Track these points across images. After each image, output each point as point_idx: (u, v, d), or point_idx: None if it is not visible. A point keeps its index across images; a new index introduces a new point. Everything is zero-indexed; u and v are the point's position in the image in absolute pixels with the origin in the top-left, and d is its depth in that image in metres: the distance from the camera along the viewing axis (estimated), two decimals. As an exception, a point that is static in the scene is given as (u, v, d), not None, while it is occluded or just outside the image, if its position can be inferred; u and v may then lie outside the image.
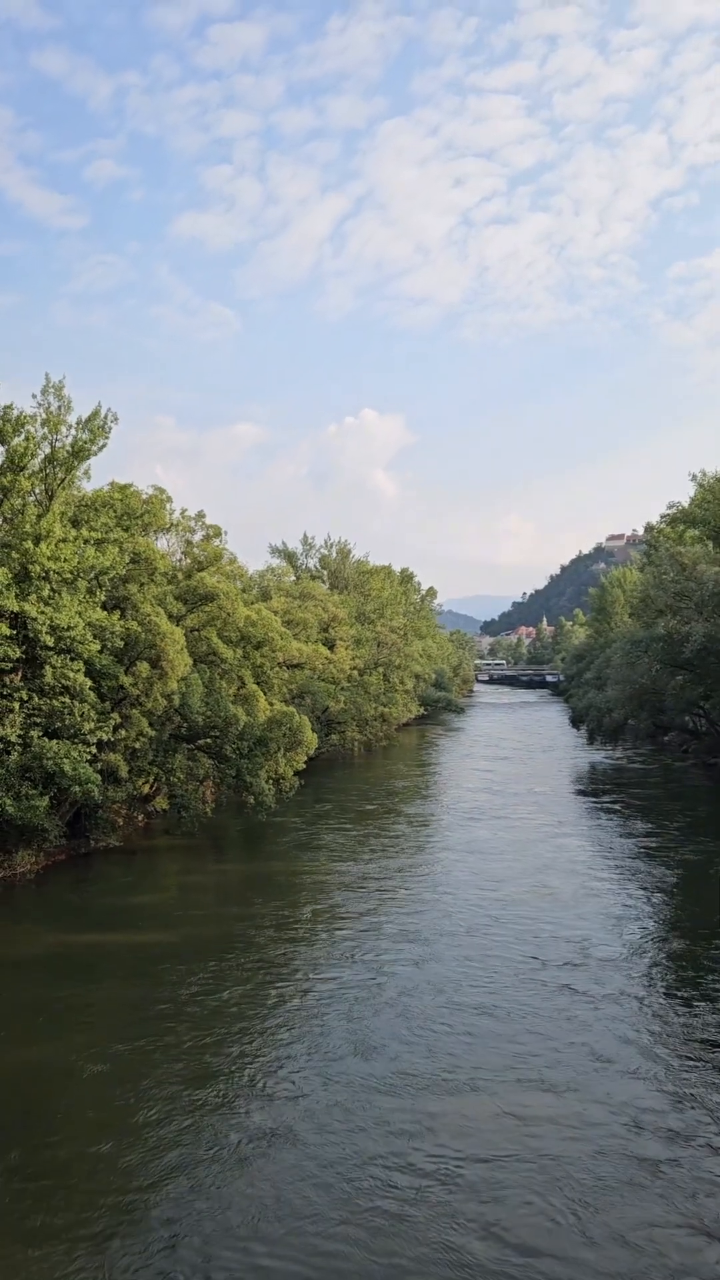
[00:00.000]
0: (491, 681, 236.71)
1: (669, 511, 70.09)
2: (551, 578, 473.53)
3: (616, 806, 49.61)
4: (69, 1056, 20.48)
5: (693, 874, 35.87)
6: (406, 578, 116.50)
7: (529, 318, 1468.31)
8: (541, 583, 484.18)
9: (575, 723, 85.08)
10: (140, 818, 45.30)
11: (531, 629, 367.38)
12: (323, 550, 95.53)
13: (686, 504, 72.47)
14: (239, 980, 24.81)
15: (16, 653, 32.61)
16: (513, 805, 50.64)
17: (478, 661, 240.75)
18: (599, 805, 50.91)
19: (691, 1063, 19.45)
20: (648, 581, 63.46)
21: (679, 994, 23.48)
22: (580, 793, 56.16)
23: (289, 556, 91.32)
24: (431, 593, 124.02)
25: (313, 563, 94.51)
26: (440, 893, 33.11)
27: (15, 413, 35.24)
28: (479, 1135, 16.66)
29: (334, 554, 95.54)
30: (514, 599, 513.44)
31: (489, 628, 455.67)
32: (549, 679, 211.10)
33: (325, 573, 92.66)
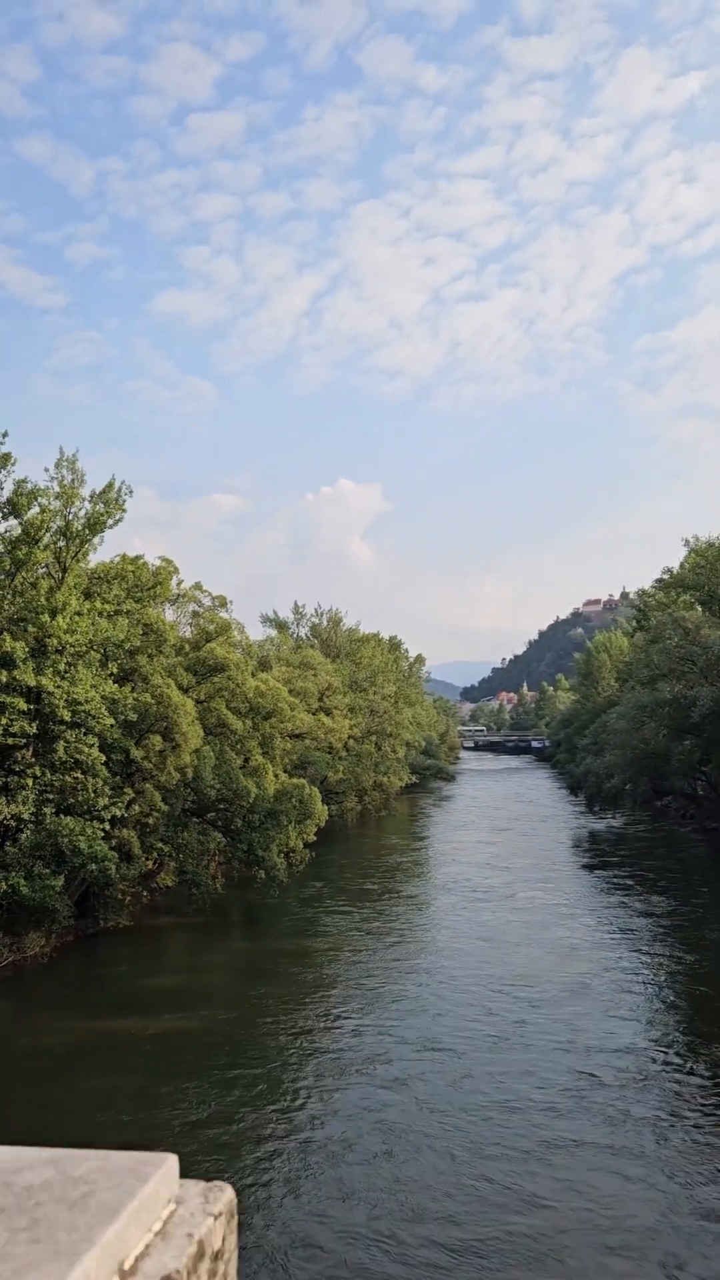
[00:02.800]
0: (476, 748, 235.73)
1: (663, 576, 70.70)
2: (530, 643, 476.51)
3: (629, 881, 48.11)
4: (85, 1146, 19.62)
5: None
6: (395, 645, 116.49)
7: (500, 390, 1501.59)
8: (519, 648, 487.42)
9: (574, 789, 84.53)
10: (145, 895, 44.19)
11: (513, 695, 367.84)
12: (313, 619, 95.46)
13: (676, 568, 73.36)
14: (253, 1078, 23.86)
15: (33, 728, 31.97)
16: (520, 883, 48.59)
17: (460, 728, 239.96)
18: (611, 880, 49.35)
19: None
20: (647, 646, 63.62)
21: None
22: (588, 866, 54.61)
23: (280, 625, 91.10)
24: (420, 660, 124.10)
25: (303, 631, 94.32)
26: (459, 989, 30.21)
27: (30, 485, 35.17)
28: None
29: (325, 622, 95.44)
30: (492, 664, 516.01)
31: (469, 693, 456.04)
32: (534, 744, 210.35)
33: (316, 641, 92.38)
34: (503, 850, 62.08)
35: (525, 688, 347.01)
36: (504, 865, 54.80)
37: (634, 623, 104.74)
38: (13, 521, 35.25)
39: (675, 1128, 20.06)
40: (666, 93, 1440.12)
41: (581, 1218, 16.36)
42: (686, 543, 67.00)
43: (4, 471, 34.59)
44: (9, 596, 34.65)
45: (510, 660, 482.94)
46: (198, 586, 48.87)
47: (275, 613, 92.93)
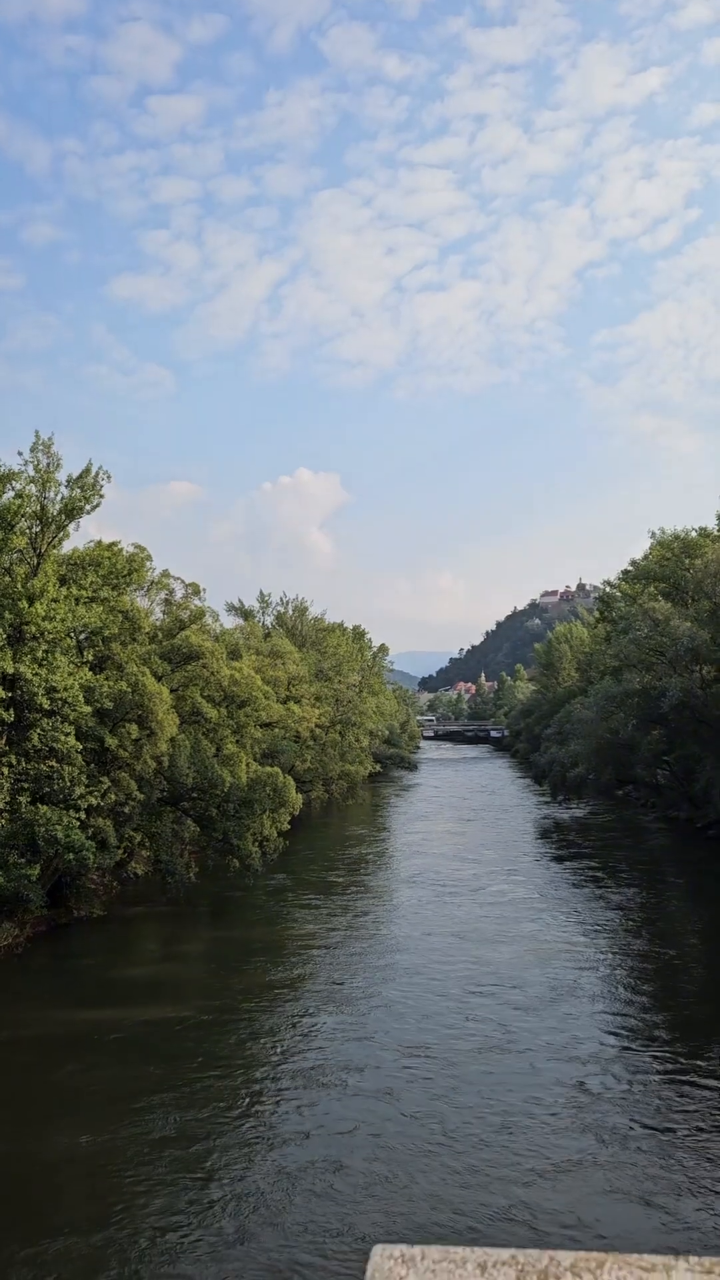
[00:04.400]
0: (436, 737, 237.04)
1: (628, 569, 71.44)
2: (487, 634, 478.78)
3: (599, 873, 47.96)
4: (59, 1144, 19.58)
5: (708, 950, 34.18)
6: (359, 634, 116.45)
7: (460, 381, 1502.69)
8: (476, 639, 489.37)
9: (538, 778, 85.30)
10: (114, 885, 43.85)
11: (470, 685, 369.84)
12: (279, 608, 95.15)
13: (639, 559, 74.23)
14: (231, 1064, 23.78)
15: (11, 716, 31.48)
16: (489, 875, 48.03)
17: (419, 717, 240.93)
18: (580, 871, 49.10)
19: None
20: (617, 637, 64.28)
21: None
22: (556, 857, 54.42)
23: (246, 614, 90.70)
24: (383, 649, 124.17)
25: (269, 620, 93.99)
26: (436, 994, 28.64)
27: (3, 468, 34.55)
28: None
29: (290, 611, 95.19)
30: (449, 655, 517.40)
31: (426, 683, 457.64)
32: (493, 734, 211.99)
33: (282, 630, 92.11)
34: (470, 841, 62.20)
35: (483, 678, 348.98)
36: (472, 856, 54.66)
37: (596, 614, 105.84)
38: (-14, 506, 34.61)
39: (676, 1139, 18.91)
40: (627, 88, 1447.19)
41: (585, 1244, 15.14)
42: (653, 534, 67.81)
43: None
44: (-17, 582, 34.04)
45: (467, 651, 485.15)
46: (167, 574, 48.48)
47: (241, 601, 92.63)
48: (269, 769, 43.77)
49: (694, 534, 65.58)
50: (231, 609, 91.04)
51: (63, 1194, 17.76)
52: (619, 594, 78.97)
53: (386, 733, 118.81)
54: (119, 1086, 22.49)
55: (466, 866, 51.15)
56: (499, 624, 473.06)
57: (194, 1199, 17.17)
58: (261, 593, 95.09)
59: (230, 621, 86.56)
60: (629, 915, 39.35)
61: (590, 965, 31.64)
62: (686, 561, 62.61)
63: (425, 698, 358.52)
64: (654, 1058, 23.44)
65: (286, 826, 43.43)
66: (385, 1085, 21.88)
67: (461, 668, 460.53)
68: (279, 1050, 24.89)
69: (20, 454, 36.00)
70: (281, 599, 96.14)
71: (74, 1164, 18.65)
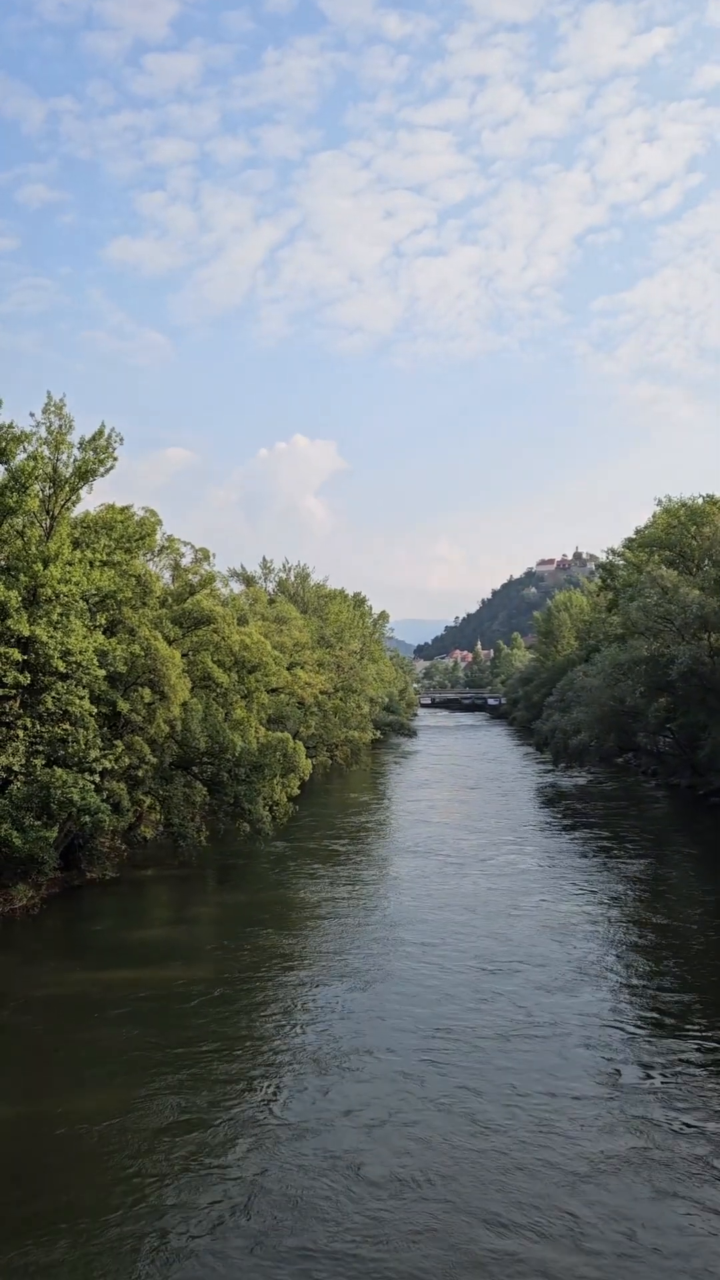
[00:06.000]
0: (433, 704, 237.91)
1: (632, 537, 71.34)
2: (483, 602, 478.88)
3: (607, 843, 47.58)
4: (71, 1106, 19.69)
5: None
6: (359, 602, 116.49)
7: (458, 348, 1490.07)
8: (472, 607, 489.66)
9: (540, 745, 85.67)
10: (124, 848, 44.06)
11: (467, 653, 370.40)
12: (281, 574, 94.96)
13: (643, 527, 74.16)
14: (243, 1039, 23.30)
15: (27, 679, 31.42)
16: (496, 845, 47.43)
17: (414, 685, 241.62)
18: (587, 840, 48.69)
19: None
20: (624, 605, 64.22)
21: None
22: (562, 827, 53.99)
23: (248, 580, 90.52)
24: (384, 616, 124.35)
25: (270, 586, 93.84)
26: (452, 970, 27.66)
27: (16, 430, 34.22)
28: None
29: (292, 577, 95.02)
30: (445, 623, 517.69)
31: (422, 651, 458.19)
32: (490, 701, 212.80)
33: (284, 596, 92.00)
34: (474, 809, 62.28)
35: (479, 646, 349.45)
36: (477, 825, 54.54)
37: (598, 582, 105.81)
38: (-2, 467, 34.34)
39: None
40: (631, 49, 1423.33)
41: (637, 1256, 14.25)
42: (659, 502, 67.63)
43: (-10, 415, 33.58)
44: (-5, 545, 33.87)
45: (463, 619, 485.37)
46: (175, 539, 48.22)
47: (243, 567, 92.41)
48: (279, 734, 43.87)
49: (700, 501, 65.39)
50: (234, 575, 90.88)
51: (73, 1159, 17.65)
52: (622, 562, 78.95)
53: (386, 700, 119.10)
54: (132, 1052, 22.41)
55: (472, 835, 50.98)
56: (495, 592, 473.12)
57: (203, 1173, 16.80)
58: (264, 558, 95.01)
59: (233, 588, 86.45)
60: (642, 887, 38.91)
61: (610, 941, 30.85)
62: (693, 529, 62.55)
63: (421, 665, 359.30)
64: (693, 1043, 22.18)
65: (296, 791, 43.60)
66: (407, 1070, 20.80)
67: (457, 635, 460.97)
68: (293, 1026, 24.11)
69: (32, 415, 35.68)
70: (284, 565, 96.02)
71: (84, 1128, 18.55)
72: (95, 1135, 18.28)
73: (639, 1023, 23.72)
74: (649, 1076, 20.50)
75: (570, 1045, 22.04)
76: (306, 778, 44.37)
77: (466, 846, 47.58)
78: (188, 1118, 18.86)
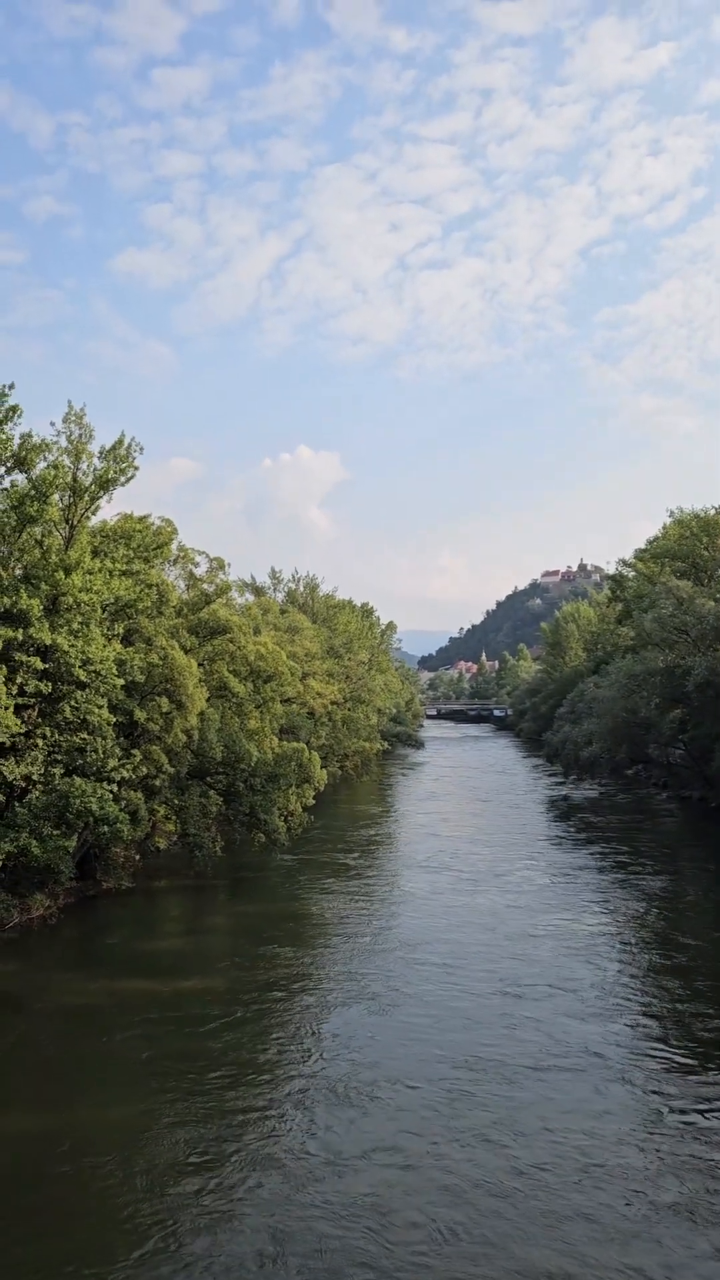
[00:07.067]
0: (439, 715, 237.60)
1: (643, 548, 71.30)
2: (488, 613, 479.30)
3: (624, 858, 46.87)
4: (87, 1116, 19.63)
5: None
6: (367, 612, 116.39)
7: (462, 359, 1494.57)
8: (477, 618, 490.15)
9: (550, 757, 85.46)
10: (138, 858, 43.92)
11: (471, 664, 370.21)
12: (290, 584, 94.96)
13: (654, 538, 74.13)
14: (260, 1063, 22.58)
15: (48, 687, 31.36)
16: (511, 860, 46.54)
17: (420, 696, 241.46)
18: (603, 856, 47.89)
19: None
20: (638, 616, 64.09)
21: None
22: (576, 841, 53.21)
23: (258, 591, 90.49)
24: (391, 627, 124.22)
25: (280, 597, 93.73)
26: (475, 994, 26.83)
27: (36, 439, 34.25)
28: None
29: (301, 588, 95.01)
30: (448, 634, 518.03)
31: (426, 662, 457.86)
32: (496, 713, 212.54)
33: (294, 607, 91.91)
34: (487, 822, 61.68)
35: (484, 657, 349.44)
36: (491, 839, 53.85)
37: (607, 593, 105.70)
38: (18, 476, 34.36)
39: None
40: (636, 63, 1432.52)
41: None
42: (670, 513, 67.62)
43: (11, 424, 33.62)
44: (15, 554, 33.85)
45: (468, 630, 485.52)
46: (188, 549, 48.19)
47: (253, 577, 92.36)
48: (295, 744, 43.75)
49: (712, 513, 65.38)
50: (244, 585, 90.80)
51: (88, 1167, 17.49)
52: (632, 574, 78.87)
53: (394, 711, 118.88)
54: (145, 1070, 22.11)
55: (486, 849, 50.32)
56: (499, 603, 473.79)
57: (215, 1213, 16.02)
58: (273, 569, 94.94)
59: (243, 598, 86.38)
60: (664, 904, 38.04)
61: (638, 963, 30.21)
62: (705, 540, 62.51)
63: (426, 676, 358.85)
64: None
65: (311, 802, 43.45)
66: (435, 1104, 19.87)
67: (462, 647, 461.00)
68: (310, 1052, 23.27)
69: (52, 424, 35.72)
70: (293, 576, 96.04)
71: (92, 1147, 18.26)
72: (103, 1156, 17.90)
73: (678, 1053, 22.69)
74: (695, 1114, 19.44)
75: (608, 1079, 21.01)
76: (321, 788, 44.20)
77: (480, 861, 46.93)
78: (199, 1149, 18.11)
